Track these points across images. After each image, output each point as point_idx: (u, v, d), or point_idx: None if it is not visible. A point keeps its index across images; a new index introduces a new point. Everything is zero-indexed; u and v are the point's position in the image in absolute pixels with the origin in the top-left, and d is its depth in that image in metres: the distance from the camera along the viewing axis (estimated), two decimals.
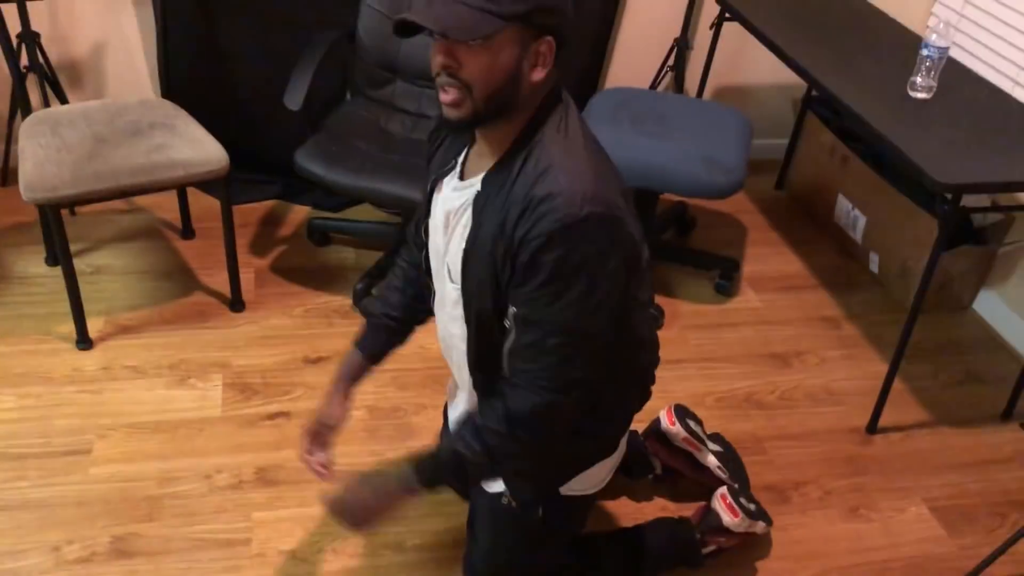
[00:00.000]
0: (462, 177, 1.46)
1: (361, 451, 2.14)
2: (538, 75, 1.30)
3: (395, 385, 2.34)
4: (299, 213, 2.99)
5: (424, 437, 2.19)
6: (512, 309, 1.34)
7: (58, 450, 2.06)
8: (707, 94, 3.32)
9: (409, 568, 1.89)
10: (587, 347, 1.34)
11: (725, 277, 2.81)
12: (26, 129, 2.32)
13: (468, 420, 1.44)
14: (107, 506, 1.95)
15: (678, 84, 3.18)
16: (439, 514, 2.02)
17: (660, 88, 3.22)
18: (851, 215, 3.00)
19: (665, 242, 3.04)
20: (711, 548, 1.90)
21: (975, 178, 2.01)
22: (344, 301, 2.61)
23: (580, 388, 1.36)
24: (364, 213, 3.01)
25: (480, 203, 1.38)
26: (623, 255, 1.32)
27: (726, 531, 1.90)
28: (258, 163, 3.00)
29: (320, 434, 1.67)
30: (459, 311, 1.48)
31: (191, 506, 1.97)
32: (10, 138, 2.86)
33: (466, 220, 1.41)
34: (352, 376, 1.71)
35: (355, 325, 2.53)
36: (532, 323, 1.33)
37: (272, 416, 2.21)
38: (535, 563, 1.73)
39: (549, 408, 1.36)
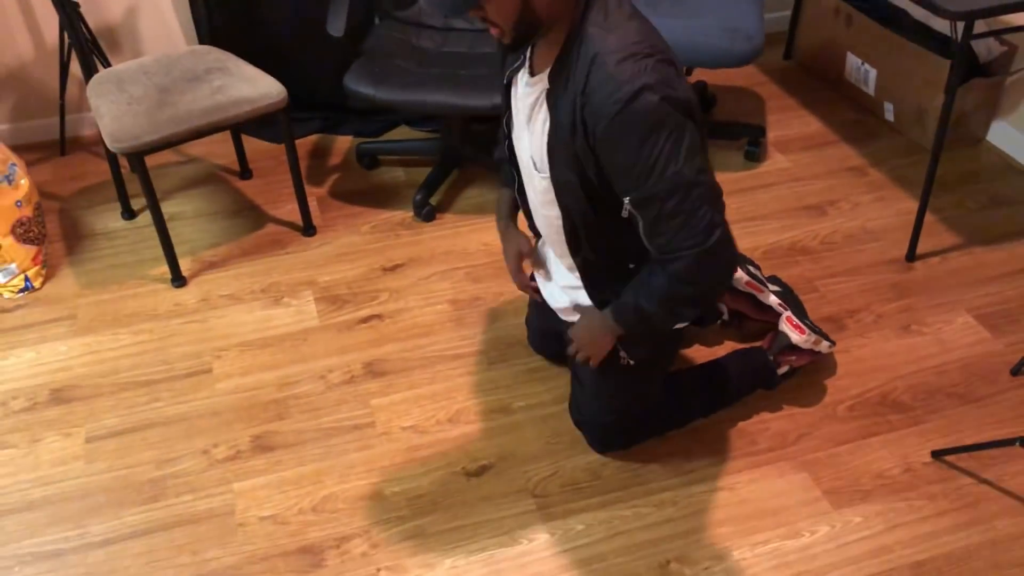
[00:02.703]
0: (532, 73, 1.62)
1: (453, 337, 2.35)
2: None
3: (469, 279, 2.54)
4: (342, 143, 3.15)
5: (508, 318, 2.39)
6: (625, 200, 1.49)
7: (181, 373, 2.27)
8: None
9: (519, 426, 2.11)
10: (700, 192, 1.46)
11: (753, 143, 2.98)
12: (93, 89, 2.48)
13: (642, 276, 1.61)
14: (239, 413, 2.16)
15: None
16: (535, 379, 2.22)
17: None
18: (862, 70, 3.16)
19: None
20: (784, 369, 2.11)
21: (984, 4, 2.16)
22: (405, 214, 2.79)
23: (717, 227, 1.48)
24: (401, 135, 3.17)
25: (552, 99, 1.54)
26: (684, 108, 1.45)
27: (795, 349, 2.10)
28: (296, 101, 3.15)
29: (519, 264, 1.92)
30: (551, 196, 1.65)
31: (314, 403, 2.18)
32: (63, 109, 3.00)
33: (544, 115, 1.58)
34: (512, 209, 1.95)
35: (419, 234, 2.71)
36: (646, 199, 1.47)
37: (366, 319, 2.41)
38: (638, 398, 1.94)
39: (704, 256, 1.49)
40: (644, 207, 1.49)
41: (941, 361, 2.25)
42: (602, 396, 1.92)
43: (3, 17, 2.89)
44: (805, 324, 2.10)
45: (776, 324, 2.22)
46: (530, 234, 1.98)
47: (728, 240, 1.51)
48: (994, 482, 1.95)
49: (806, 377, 2.20)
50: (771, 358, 2.10)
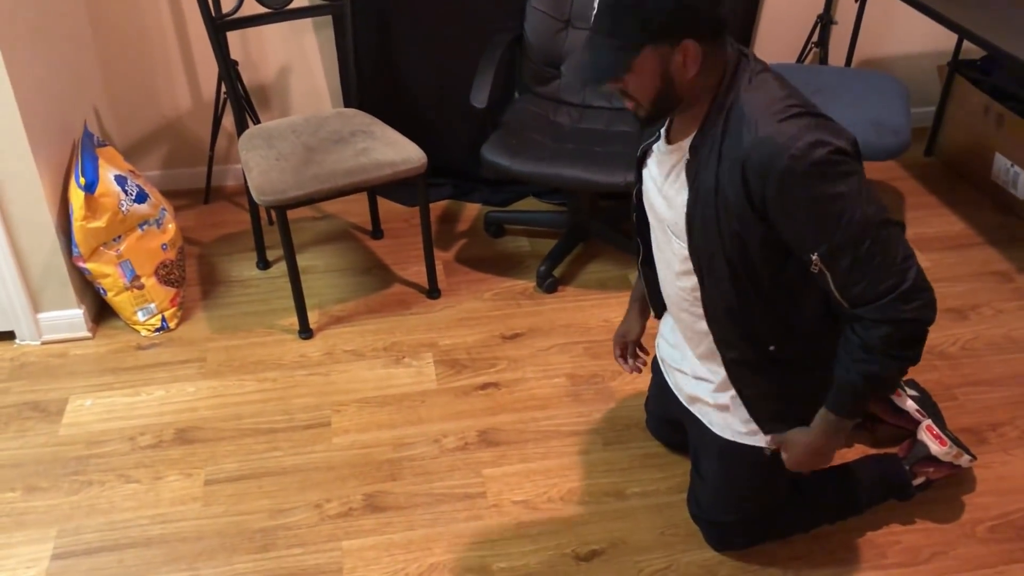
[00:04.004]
0: (669, 141, 1.61)
1: (569, 413, 2.31)
2: (690, 72, 1.44)
3: (588, 355, 2.51)
4: (471, 210, 3.20)
5: (626, 399, 2.35)
6: (813, 256, 1.45)
7: (301, 424, 2.30)
8: (853, 66, 3.39)
9: (633, 513, 2.05)
10: (889, 230, 1.44)
11: None
12: (244, 143, 2.59)
13: (850, 349, 1.52)
14: (353, 469, 2.17)
15: (823, 59, 3.26)
16: (652, 465, 2.16)
17: (806, 63, 3.31)
18: (1011, 172, 3.03)
19: None
20: (920, 480, 1.99)
21: None
22: (527, 284, 2.80)
23: (911, 263, 1.45)
24: (528, 205, 3.20)
25: (692, 169, 1.53)
26: (854, 154, 1.43)
27: (934, 461, 1.99)
28: (431, 166, 3.22)
29: (625, 345, 1.98)
30: (688, 266, 1.62)
31: (427, 466, 2.17)
32: (211, 159, 3.15)
33: (681, 184, 1.56)
34: (642, 296, 1.97)
35: (541, 305, 2.71)
36: (838, 248, 1.43)
37: (483, 386, 2.40)
38: (761, 499, 1.85)
39: (908, 293, 1.44)
40: (837, 257, 1.45)
41: None
42: (724, 492, 1.85)
43: (167, 70, 3.07)
44: (946, 435, 1.99)
45: (912, 430, 2.11)
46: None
47: (922, 271, 1.47)
48: None
49: (942, 491, 2.07)
50: (907, 467, 1.98)
